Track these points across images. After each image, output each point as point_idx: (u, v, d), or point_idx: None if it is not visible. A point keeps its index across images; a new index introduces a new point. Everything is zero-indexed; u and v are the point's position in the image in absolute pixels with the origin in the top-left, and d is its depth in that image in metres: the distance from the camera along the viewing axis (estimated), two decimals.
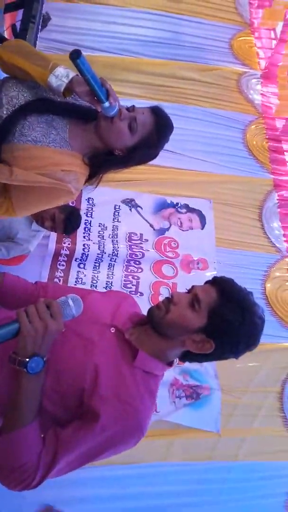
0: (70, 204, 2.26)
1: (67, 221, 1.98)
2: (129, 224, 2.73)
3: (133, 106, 1.19)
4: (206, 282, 0.98)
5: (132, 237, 2.70)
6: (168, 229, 2.81)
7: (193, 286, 0.97)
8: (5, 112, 1.14)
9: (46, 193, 1.18)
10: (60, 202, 1.28)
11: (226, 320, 0.90)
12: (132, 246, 2.64)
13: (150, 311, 0.97)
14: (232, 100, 3.60)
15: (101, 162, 1.23)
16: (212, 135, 3.30)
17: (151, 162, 2.89)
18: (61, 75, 1.10)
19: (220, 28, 3.84)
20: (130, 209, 2.80)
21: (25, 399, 0.85)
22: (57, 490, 2.01)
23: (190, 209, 2.96)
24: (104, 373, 0.90)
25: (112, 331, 0.98)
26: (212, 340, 0.91)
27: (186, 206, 2.96)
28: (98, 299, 1.09)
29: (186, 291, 0.99)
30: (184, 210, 2.93)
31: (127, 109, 1.18)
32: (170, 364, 1.00)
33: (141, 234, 2.73)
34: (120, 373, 0.92)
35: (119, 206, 2.78)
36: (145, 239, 2.72)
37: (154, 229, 2.78)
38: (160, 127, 1.20)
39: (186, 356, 0.98)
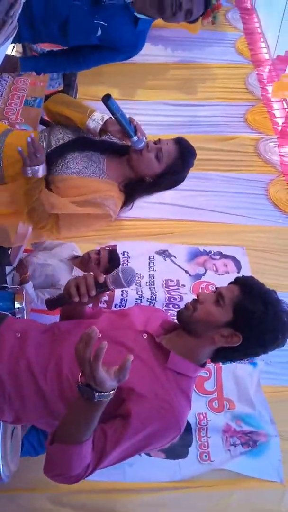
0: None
1: (111, 260, 2.22)
2: (165, 272, 2.91)
3: (159, 139, 1.47)
4: (229, 283, 1.11)
5: (169, 283, 2.86)
6: (204, 274, 2.96)
7: (217, 287, 1.11)
8: None
9: (87, 216, 1.43)
10: (100, 225, 1.53)
11: (250, 312, 1.01)
12: (170, 291, 2.79)
13: (179, 312, 1.11)
14: (252, 164, 3.94)
15: (134, 189, 1.49)
16: (237, 195, 3.57)
17: (180, 217, 3.24)
18: (97, 119, 1.43)
19: (234, 107, 4.37)
20: (165, 259, 3.01)
21: (84, 421, 0.91)
22: None
23: (224, 256, 3.12)
24: (138, 374, 1.00)
25: (145, 337, 1.10)
26: (240, 333, 1.01)
27: (220, 253, 3.13)
28: (136, 310, 1.24)
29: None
30: (218, 257, 3.10)
31: (154, 142, 1.46)
32: (202, 365, 1.10)
33: (178, 280, 2.89)
34: (154, 374, 1.03)
35: (153, 256, 3.00)
36: (182, 285, 2.86)
37: (190, 275, 2.94)
38: (183, 155, 1.47)
39: (217, 355, 1.09)
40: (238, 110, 4.36)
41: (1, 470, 1.34)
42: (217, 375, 2.48)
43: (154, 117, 4.14)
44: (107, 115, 1.45)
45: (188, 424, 2.29)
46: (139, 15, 1.70)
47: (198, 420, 2.31)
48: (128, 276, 1.09)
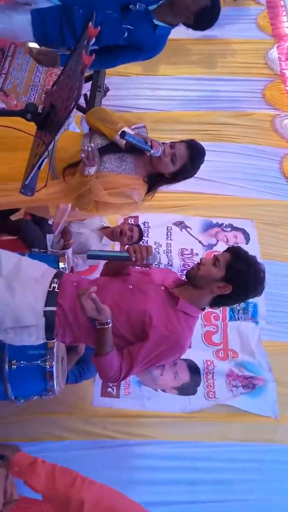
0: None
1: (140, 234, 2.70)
2: (181, 242, 3.37)
3: (174, 143, 1.88)
4: (223, 251, 1.59)
5: (184, 252, 3.32)
6: (215, 244, 3.41)
7: (214, 254, 1.59)
8: None
9: (118, 206, 1.89)
10: (128, 210, 1.98)
11: (237, 270, 1.48)
12: (185, 259, 3.25)
13: (187, 272, 1.59)
14: (267, 137, 4.25)
15: (155, 182, 1.93)
16: (250, 166, 3.90)
17: (196, 190, 3.68)
18: (123, 133, 1.82)
19: (253, 82, 4.60)
20: (181, 230, 3.46)
21: (102, 340, 1.45)
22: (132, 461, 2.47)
23: (234, 228, 3.54)
24: (156, 313, 1.50)
25: (162, 289, 1.58)
26: (230, 284, 1.48)
27: (231, 226, 3.55)
28: (155, 271, 1.71)
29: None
30: (229, 229, 3.53)
31: (170, 146, 1.87)
32: (203, 309, 1.59)
33: (192, 249, 3.34)
34: (167, 313, 1.52)
35: (171, 227, 3.45)
36: (195, 253, 3.32)
37: (203, 245, 3.39)
38: (193, 157, 1.90)
39: (214, 302, 1.57)
40: (257, 86, 4.60)
41: (55, 386, 1.86)
42: (223, 330, 2.98)
43: (175, 91, 4.45)
44: (130, 131, 1.87)
45: (197, 368, 2.81)
46: (157, 22, 2.10)
47: (205, 365, 2.82)
48: (156, 257, 1.58)
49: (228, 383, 2.80)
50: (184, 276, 1.59)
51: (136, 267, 1.69)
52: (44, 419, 2.47)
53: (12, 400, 1.81)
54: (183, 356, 2.75)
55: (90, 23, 1.36)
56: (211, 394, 2.73)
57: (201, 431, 2.60)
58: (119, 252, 1.58)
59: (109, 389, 2.67)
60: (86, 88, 3.24)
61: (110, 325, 1.42)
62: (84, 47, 1.30)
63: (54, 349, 1.79)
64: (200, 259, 1.56)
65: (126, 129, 1.80)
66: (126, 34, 2.11)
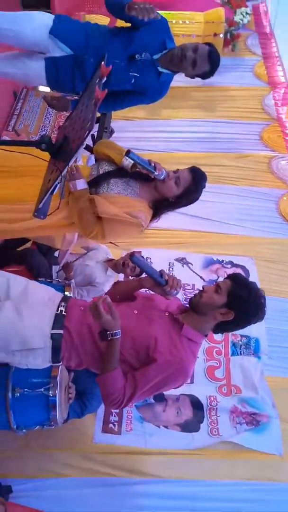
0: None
1: None
2: (182, 277, 3.25)
3: (178, 169, 2.00)
4: (224, 279, 1.66)
5: (186, 287, 3.38)
6: (216, 280, 3.46)
7: (215, 282, 1.64)
8: None
9: (124, 225, 1.96)
10: (134, 232, 2.06)
11: (238, 296, 1.55)
12: (186, 293, 3.31)
13: (190, 299, 1.66)
14: (264, 179, 4.42)
15: (160, 206, 2.03)
16: (248, 207, 4.05)
17: (197, 228, 3.79)
18: (129, 159, 1.95)
19: (250, 125, 4.84)
20: (182, 265, 3.54)
21: (108, 355, 1.49)
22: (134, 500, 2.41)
23: (234, 265, 3.63)
24: (161, 338, 1.56)
25: (166, 314, 1.64)
26: (232, 310, 1.54)
27: (231, 262, 3.64)
28: (160, 297, 1.77)
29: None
30: (229, 266, 3.61)
31: (173, 171, 1.99)
32: (206, 335, 1.64)
33: (193, 285, 3.41)
34: (171, 339, 1.57)
35: (173, 263, 3.53)
36: (197, 289, 3.37)
37: (204, 281, 3.45)
38: (196, 180, 2.00)
39: (217, 328, 1.62)
40: (254, 129, 4.84)
41: (58, 416, 1.86)
42: (226, 365, 2.98)
43: (176, 133, 4.68)
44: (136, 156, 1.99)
45: (201, 404, 2.79)
46: (161, 69, 2.28)
47: (209, 401, 2.81)
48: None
49: (232, 419, 2.77)
50: (188, 303, 1.65)
51: (141, 291, 1.74)
52: (43, 454, 2.43)
53: (14, 429, 1.81)
54: (185, 391, 2.82)
55: (103, 62, 1.50)
56: (215, 431, 2.70)
57: (204, 469, 2.55)
58: (156, 272, 1.60)
59: (111, 425, 2.64)
60: (94, 129, 3.43)
61: (119, 336, 1.44)
62: (97, 84, 1.42)
63: (58, 378, 1.81)
64: (203, 286, 1.62)
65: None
66: (133, 81, 2.28)
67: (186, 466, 2.54)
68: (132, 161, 1.94)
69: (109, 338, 1.44)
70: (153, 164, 1.90)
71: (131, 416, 2.68)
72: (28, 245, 2.79)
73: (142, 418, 2.70)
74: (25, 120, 3.77)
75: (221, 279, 3.49)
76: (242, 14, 5.25)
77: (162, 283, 1.57)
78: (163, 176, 1.92)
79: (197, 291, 1.65)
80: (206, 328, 1.60)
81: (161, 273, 1.59)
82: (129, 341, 1.54)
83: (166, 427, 2.68)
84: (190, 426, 2.71)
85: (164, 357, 1.50)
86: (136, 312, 1.61)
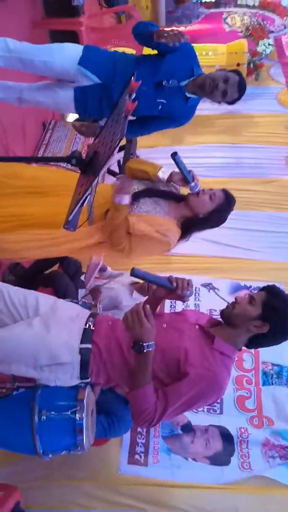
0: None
1: None
2: (209, 303, 3.38)
3: (210, 188, 2.02)
4: (258, 291, 1.63)
5: (213, 313, 3.31)
6: None
7: (249, 293, 1.61)
8: None
9: (152, 243, 1.98)
10: (161, 250, 2.06)
11: (274, 307, 1.50)
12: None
13: (221, 311, 1.62)
14: None
15: (189, 226, 2.04)
16: (276, 232, 4.00)
17: (224, 254, 3.77)
18: (165, 171, 2.01)
19: (276, 149, 4.88)
20: (209, 291, 3.49)
21: (140, 369, 1.46)
22: None
23: None
24: (192, 351, 1.52)
25: (197, 328, 1.61)
26: (267, 323, 1.49)
27: (259, 288, 3.55)
28: (188, 312, 1.78)
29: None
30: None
31: (208, 189, 2.01)
32: (239, 349, 1.59)
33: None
34: (203, 352, 1.53)
35: (199, 288, 3.49)
36: None
37: None
38: (228, 198, 2.03)
39: (251, 342, 1.57)
40: (280, 153, 4.85)
41: (84, 441, 1.81)
42: (257, 395, 2.87)
43: (200, 159, 4.72)
44: (171, 169, 2.03)
45: (231, 436, 2.68)
46: (189, 95, 2.32)
47: (239, 433, 2.69)
48: (193, 291, 1.64)
49: (264, 453, 2.64)
50: (219, 315, 1.60)
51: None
52: (67, 485, 2.36)
53: (40, 454, 1.77)
54: (214, 422, 2.71)
55: (133, 78, 1.55)
56: (246, 465, 2.57)
57: (235, 505, 2.41)
58: (162, 279, 1.58)
59: (137, 456, 2.56)
60: (119, 155, 3.51)
61: (153, 349, 1.41)
62: (127, 99, 1.46)
63: (85, 400, 1.78)
64: (235, 298, 1.58)
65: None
66: (160, 107, 2.34)
67: (215, 501, 2.41)
68: (167, 174, 1.99)
69: (145, 350, 1.40)
70: (191, 174, 1.93)
71: (158, 447, 2.59)
72: (55, 268, 2.83)
73: (170, 449, 2.60)
74: (53, 148, 3.90)
75: None
76: (264, 45, 5.38)
77: (172, 288, 1.56)
78: (198, 188, 1.96)
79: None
80: (239, 342, 1.55)
81: (170, 279, 1.57)
82: (159, 355, 1.50)
83: (194, 459, 2.57)
84: (219, 459, 2.59)
85: (196, 370, 1.45)
86: (165, 326, 1.58)
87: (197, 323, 1.60)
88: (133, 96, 1.51)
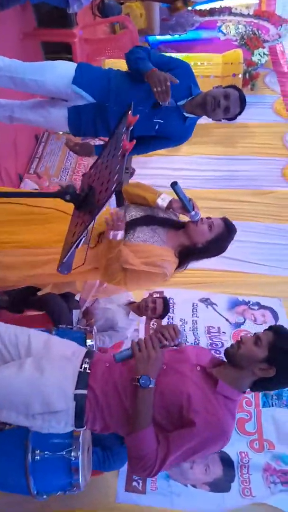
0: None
1: (164, 306, 2.68)
2: (207, 319, 3.32)
3: (209, 216, 1.96)
4: (264, 330, 1.54)
5: (211, 330, 3.26)
6: (243, 323, 3.35)
7: (255, 333, 1.53)
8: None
9: (148, 276, 1.91)
10: (157, 282, 2.00)
11: (282, 350, 1.42)
12: (212, 337, 3.18)
13: (226, 350, 1.53)
14: None
15: (187, 255, 1.97)
16: (273, 245, 3.96)
17: (220, 268, 3.68)
18: (165, 198, 1.95)
19: (271, 161, 4.85)
20: (207, 306, 3.43)
21: (143, 409, 1.40)
22: None
23: (262, 306, 3.50)
24: (195, 395, 1.43)
25: (198, 369, 1.52)
26: (274, 366, 1.42)
27: (258, 304, 3.51)
28: (188, 348, 1.68)
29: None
30: (256, 307, 3.49)
31: (206, 218, 1.95)
32: (244, 392, 1.50)
33: (219, 327, 3.29)
34: (206, 396, 1.44)
35: (197, 304, 3.43)
36: (222, 332, 3.25)
37: (230, 323, 3.33)
38: (228, 227, 1.97)
39: (256, 385, 1.49)
40: (276, 165, 4.83)
41: (80, 480, 1.74)
42: (257, 418, 2.81)
43: (197, 171, 4.68)
44: (170, 197, 1.97)
45: (231, 461, 2.62)
46: (187, 115, 2.26)
47: (240, 458, 2.63)
48: (183, 333, 1.56)
49: (265, 478, 2.58)
50: (223, 354, 1.53)
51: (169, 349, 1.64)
52: None
53: (34, 495, 1.69)
54: None
55: (130, 111, 1.48)
56: (247, 491, 2.51)
57: None
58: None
59: (134, 483, 2.48)
60: None
61: (153, 386, 1.37)
62: (124, 133, 1.40)
63: (80, 439, 1.70)
64: (241, 337, 1.50)
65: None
66: (157, 127, 2.28)
67: None
68: (167, 201, 1.93)
69: (150, 386, 1.38)
70: (192, 203, 1.87)
71: None
72: (48, 288, 2.74)
73: (168, 476, 2.53)
74: (46, 162, 3.83)
75: (248, 322, 3.45)
76: (259, 54, 5.34)
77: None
78: (198, 217, 1.90)
79: (222, 336, 1.55)
80: (244, 385, 1.47)
81: (137, 345, 1.49)
82: (158, 398, 1.42)
83: (194, 486, 2.51)
84: (220, 486, 2.52)
85: (202, 417, 1.36)
86: (164, 367, 1.50)
87: (199, 363, 1.52)
88: (130, 128, 1.44)
